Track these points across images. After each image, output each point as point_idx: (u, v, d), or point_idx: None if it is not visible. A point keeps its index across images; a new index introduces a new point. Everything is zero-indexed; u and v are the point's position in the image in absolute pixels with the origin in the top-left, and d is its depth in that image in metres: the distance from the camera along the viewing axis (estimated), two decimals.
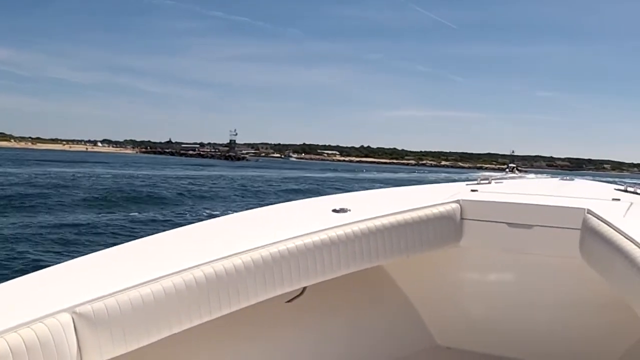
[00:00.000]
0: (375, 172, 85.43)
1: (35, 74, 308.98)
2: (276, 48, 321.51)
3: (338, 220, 2.15)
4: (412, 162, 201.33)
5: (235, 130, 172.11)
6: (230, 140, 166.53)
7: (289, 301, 2.24)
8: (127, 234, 14.11)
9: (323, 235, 2.01)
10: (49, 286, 1.53)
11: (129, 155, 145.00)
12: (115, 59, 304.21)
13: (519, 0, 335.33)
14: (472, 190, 2.72)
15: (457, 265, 2.85)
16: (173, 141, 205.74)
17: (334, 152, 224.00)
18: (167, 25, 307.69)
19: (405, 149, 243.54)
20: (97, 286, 1.49)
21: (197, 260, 1.68)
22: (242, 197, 28.37)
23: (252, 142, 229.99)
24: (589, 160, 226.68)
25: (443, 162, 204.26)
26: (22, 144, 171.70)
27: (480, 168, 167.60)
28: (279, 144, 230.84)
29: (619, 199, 2.51)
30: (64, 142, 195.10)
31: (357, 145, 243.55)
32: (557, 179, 3.47)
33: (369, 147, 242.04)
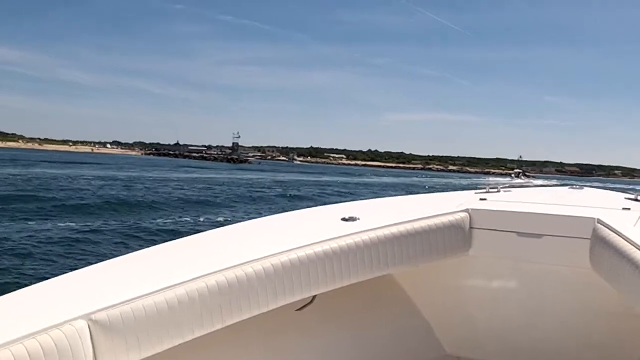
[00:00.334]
0: (374, 177, 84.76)
1: (47, 75, 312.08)
2: (284, 52, 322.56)
3: (347, 228, 2.17)
4: (419, 166, 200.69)
5: (238, 132, 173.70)
6: (233, 143, 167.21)
7: (299, 309, 2.25)
8: (75, 238, 13.61)
9: (333, 244, 2.04)
10: (65, 293, 1.57)
11: (130, 156, 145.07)
12: (126, 62, 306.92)
13: (527, 3, 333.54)
14: (481, 199, 2.73)
15: (466, 274, 2.84)
16: (181, 143, 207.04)
17: (340, 155, 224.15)
18: (177, 29, 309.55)
19: (413, 152, 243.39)
20: (111, 293, 1.53)
21: (209, 269, 1.71)
22: (210, 203, 27.76)
23: (259, 145, 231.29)
24: (599, 166, 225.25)
25: (450, 167, 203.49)
26: (30, 145, 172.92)
27: (488, 173, 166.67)
28: (287, 147, 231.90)
29: (629, 208, 2.49)
30: (71, 143, 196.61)
31: (365, 149, 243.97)
32: (566, 187, 3.46)
33: (376, 150, 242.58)
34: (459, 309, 2.87)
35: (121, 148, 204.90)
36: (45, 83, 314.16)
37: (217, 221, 18.82)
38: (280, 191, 36.79)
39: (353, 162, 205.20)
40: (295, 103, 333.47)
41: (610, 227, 2.05)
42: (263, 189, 38.01)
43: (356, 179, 69.27)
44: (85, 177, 40.38)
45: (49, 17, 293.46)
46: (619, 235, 1.95)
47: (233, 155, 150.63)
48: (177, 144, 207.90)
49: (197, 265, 1.74)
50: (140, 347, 1.52)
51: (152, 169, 66.23)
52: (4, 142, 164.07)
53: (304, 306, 2.23)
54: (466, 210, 2.45)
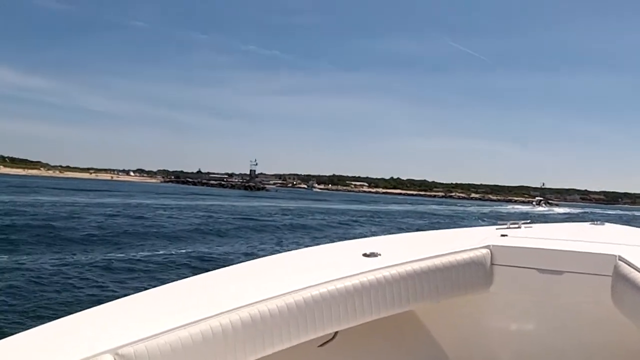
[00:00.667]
0: (393, 204, 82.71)
1: (72, 103, 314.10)
2: (307, 80, 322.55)
3: (369, 265, 2.18)
4: (441, 193, 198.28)
5: (255, 160, 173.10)
6: (251, 171, 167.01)
7: (321, 345, 2.25)
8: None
9: (355, 280, 2.05)
10: (92, 327, 1.59)
11: (148, 184, 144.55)
12: (151, 90, 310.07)
13: (549, 30, 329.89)
14: (502, 235, 2.75)
15: (487, 310, 2.84)
16: (203, 171, 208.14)
17: (362, 183, 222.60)
18: (201, 58, 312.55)
19: (436, 180, 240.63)
20: (138, 328, 1.55)
21: (233, 305, 1.73)
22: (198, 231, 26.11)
23: (281, 172, 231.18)
24: (625, 194, 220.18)
25: (472, 195, 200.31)
26: (50, 172, 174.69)
27: (510, 201, 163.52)
28: (309, 175, 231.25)
29: None
30: (92, 171, 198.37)
31: (387, 177, 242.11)
32: (587, 223, 3.46)
33: (398, 178, 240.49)
34: (480, 346, 2.86)
35: (144, 176, 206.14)
36: (71, 112, 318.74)
37: (183, 252, 17.17)
38: (283, 219, 35.13)
39: (374, 189, 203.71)
40: (317, 130, 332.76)
41: (632, 264, 2.08)
42: (262, 217, 36.34)
43: (369, 207, 67.29)
44: (76, 204, 39.11)
45: (74, 45, 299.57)
46: None
47: (250, 183, 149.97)
48: (199, 171, 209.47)
49: (221, 301, 1.75)
50: None
51: (159, 196, 65.14)
52: (25, 170, 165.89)
53: (326, 342, 2.25)
54: (487, 247, 2.46)
